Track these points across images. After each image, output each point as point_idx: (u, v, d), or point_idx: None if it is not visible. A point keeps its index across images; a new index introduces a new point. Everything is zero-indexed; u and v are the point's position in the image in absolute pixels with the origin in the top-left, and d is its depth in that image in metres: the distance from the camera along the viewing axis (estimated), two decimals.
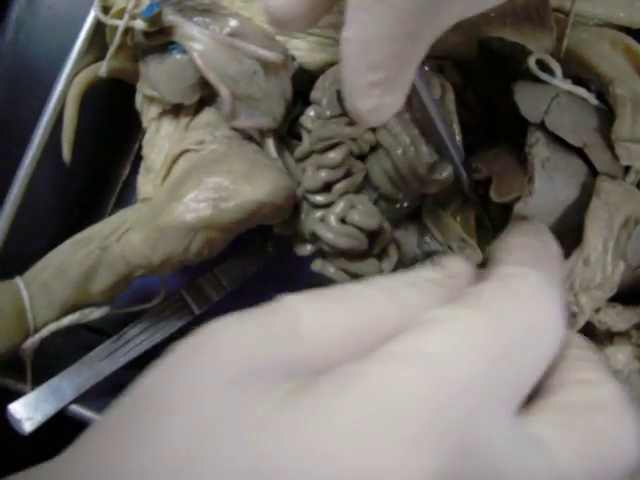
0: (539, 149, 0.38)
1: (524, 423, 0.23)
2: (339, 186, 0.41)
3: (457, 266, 0.28)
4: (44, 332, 0.40)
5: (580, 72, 0.42)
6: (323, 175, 0.40)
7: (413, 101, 0.37)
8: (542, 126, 0.38)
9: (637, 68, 0.42)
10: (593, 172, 0.38)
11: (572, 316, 0.37)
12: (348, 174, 0.41)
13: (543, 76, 0.39)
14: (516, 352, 0.23)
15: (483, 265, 0.41)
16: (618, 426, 0.24)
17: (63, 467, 0.23)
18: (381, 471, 0.20)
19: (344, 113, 0.41)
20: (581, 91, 0.39)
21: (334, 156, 0.40)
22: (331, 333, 0.23)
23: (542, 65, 0.40)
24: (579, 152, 0.38)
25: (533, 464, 0.22)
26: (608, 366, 0.41)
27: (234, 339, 0.23)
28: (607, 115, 0.39)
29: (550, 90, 0.39)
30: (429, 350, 0.21)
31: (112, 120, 0.49)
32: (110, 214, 0.53)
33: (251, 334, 0.23)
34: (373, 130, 0.41)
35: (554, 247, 0.31)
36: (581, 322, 0.37)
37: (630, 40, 0.43)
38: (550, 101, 0.38)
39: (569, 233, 0.37)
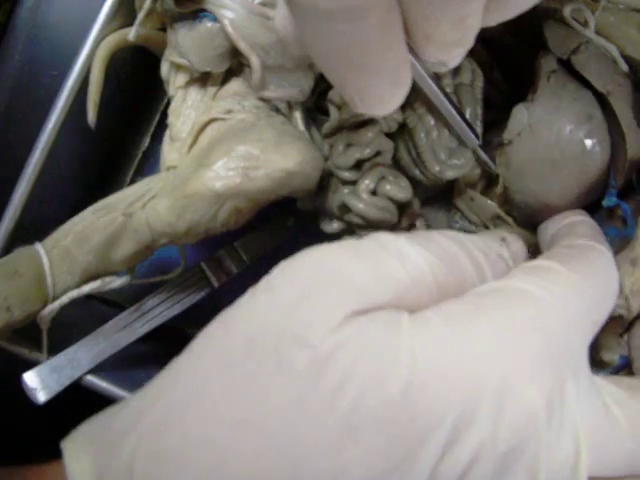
0: (547, 60, 0.38)
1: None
2: (368, 164, 0.40)
3: (519, 248, 0.32)
4: (64, 299, 0.39)
5: None
6: (355, 153, 0.40)
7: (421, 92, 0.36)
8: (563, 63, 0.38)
9: None
10: (604, 114, 0.37)
11: (619, 318, 0.37)
12: (378, 153, 0.41)
13: (576, 26, 0.39)
14: (597, 308, 0.28)
15: None
16: None
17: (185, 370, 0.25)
18: (510, 389, 0.23)
19: None
20: (612, 49, 0.39)
21: (366, 134, 0.40)
22: (430, 281, 0.26)
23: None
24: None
25: (595, 412, 0.26)
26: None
27: (357, 274, 0.25)
28: (633, 83, 0.39)
29: (580, 37, 0.38)
30: (538, 291, 0.25)
31: (132, 90, 0.48)
32: (130, 183, 0.52)
33: (372, 272, 0.25)
34: (402, 108, 0.41)
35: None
36: (629, 320, 0.37)
37: None
38: (579, 44, 0.38)
39: (569, 165, 0.37)
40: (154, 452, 0.24)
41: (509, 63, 0.44)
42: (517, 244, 0.32)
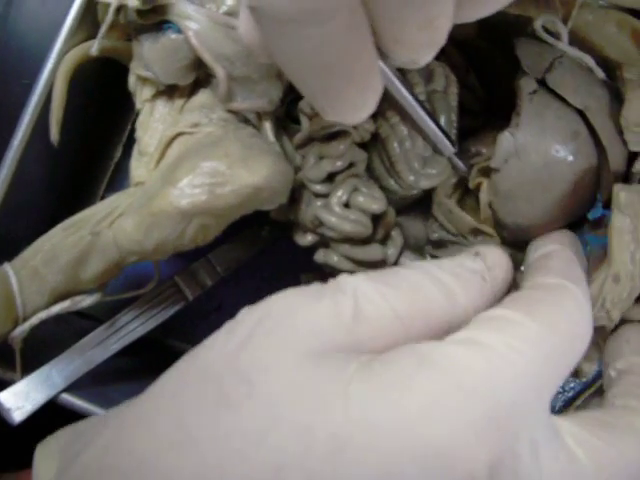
0: (526, 81, 0.37)
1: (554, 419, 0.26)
2: (341, 177, 0.40)
3: (496, 258, 0.31)
4: (34, 320, 0.39)
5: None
6: (327, 166, 0.39)
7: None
8: (541, 82, 0.37)
9: None
10: (588, 127, 0.36)
11: (601, 328, 0.36)
12: (351, 164, 0.40)
13: (549, 39, 0.38)
14: (560, 357, 0.26)
15: None
16: None
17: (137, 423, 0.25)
18: (446, 450, 0.22)
19: None
20: (587, 59, 0.38)
21: (338, 146, 0.39)
22: (390, 317, 0.25)
23: (547, 32, 0.38)
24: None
25: (556, 458, 0.25)
26: None
27: (309, 316, 0.25)
28: (613, 90, 0.38)
29: (554, 51, 0.37)
30: (491, 345, 0.24)
31: (103, 102, 0.48)
32: (102, 197, 0.51)
33: (324, 313, 0.25)
34: (374, 118, 0.40)
35: (584, 259, 0.35)
36: (612, 326, 0.36)
37: (637, 23, 0.41)
38: (553, 60, 0.37)
39: (559, 185, 0.36)
40: (103, 467, 0.24)
41: (485, 67, 0.43)
42: (493, 255, 0.31)
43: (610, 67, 0.40)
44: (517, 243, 0.39)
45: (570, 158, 0.35)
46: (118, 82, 0.43)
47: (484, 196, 0.39)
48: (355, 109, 0.27)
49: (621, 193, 0.34)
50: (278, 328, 0.25)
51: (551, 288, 0.30)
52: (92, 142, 0.49)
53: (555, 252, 0.34)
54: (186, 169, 0.37)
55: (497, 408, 0.23)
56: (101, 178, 0.51)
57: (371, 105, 0.27)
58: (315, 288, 0.27)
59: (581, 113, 0.36)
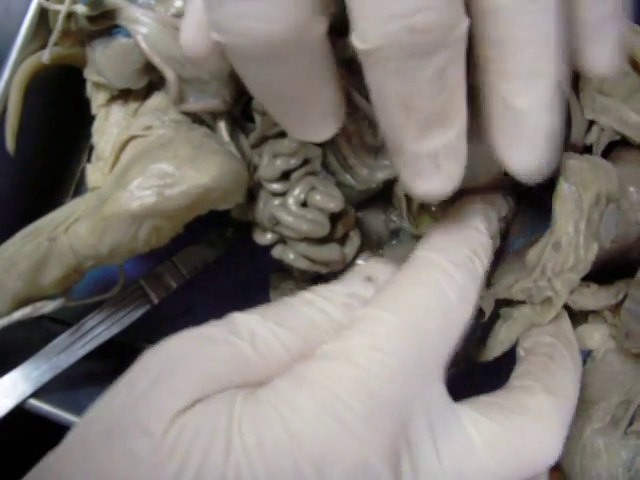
0: None
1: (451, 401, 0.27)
2: (297, 174, 0.39)
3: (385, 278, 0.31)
4: None
5: None
6: (280, 164, 0.39)
7: None
8: None
9: None
10: None
11: (547, 300, 0.36)
12: (306, 161, 0.40)
13: None
14: (430, 337, 0.26)
15: None
16: (543, 430, 0.28)
17: None
18: (334, 459, 0.23)
19: None
20: None
21: (291, 144, 0.39)
22: (283, 357, 0.26)
23: None
24: None
25: (454, 441, 0.26)
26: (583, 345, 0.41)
27: (205, 362, 0.25)
28: None
29: None
30: (356, 350, 0.25)
31: (67, 108, 0.48)
32: None
33: (221, 358, 0.26)
34: None
35: (496, 223, 0.34)
36: (559, 306, 0.35)
37: None
38: None
39: None
40: None
41: None
42: (382, 273, 0.32)
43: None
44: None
45: None
46: (81, 88, 0.44)
47: None
48: (318, 130, 0.29)
49: (569, 161, 0.34)
50: (174, 375, 0.25)
51: (414, 265, 0.29)
52: (57, 151, 0.49)
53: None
54: (136, 172, 0.37)
55: (379, 408, 0.24)
56: (68, 186, 0.51)
57: (334, 125, 0.29)
58: (212, 330, 0.27)
59: None
